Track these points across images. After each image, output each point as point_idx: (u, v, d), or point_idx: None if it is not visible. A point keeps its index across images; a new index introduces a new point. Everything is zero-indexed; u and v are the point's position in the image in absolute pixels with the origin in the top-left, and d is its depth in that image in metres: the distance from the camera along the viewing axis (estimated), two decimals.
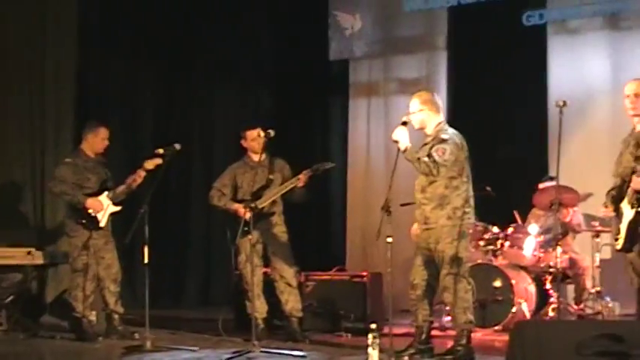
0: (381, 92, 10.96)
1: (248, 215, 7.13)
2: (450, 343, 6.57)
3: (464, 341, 6.36)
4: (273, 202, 7.62)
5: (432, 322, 6.60)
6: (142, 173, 7.70)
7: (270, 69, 11.74)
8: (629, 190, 5.80)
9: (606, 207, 6.10)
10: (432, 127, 6.52)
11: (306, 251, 10.53)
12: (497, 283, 7.98)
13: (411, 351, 6.40)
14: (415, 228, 6.58)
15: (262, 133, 7.38)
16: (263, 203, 7.45)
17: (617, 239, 6.05)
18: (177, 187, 11.32)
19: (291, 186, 7.45)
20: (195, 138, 11.49)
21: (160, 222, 10.86)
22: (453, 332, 6.68)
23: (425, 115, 6.55)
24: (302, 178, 7.40)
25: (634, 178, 5.75)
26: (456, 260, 6.30)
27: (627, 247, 5.91)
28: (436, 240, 6.36)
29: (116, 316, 7.84)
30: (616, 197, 6.02)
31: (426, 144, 6.46)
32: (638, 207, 5.75)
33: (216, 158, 11.13)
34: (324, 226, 11.50)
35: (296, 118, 11.33)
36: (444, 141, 6.41)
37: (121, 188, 7.81)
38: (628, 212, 5.85)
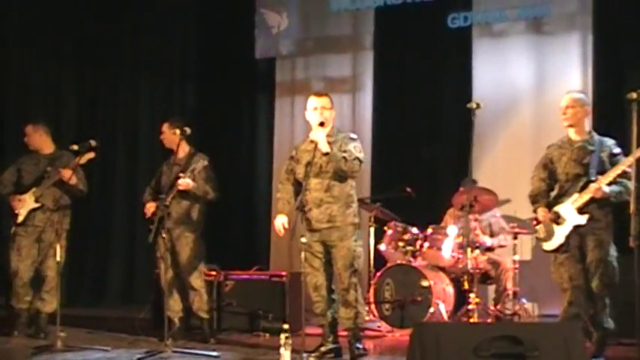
0: (307, 91, 10.89)
1: (159, 213, 7.05)
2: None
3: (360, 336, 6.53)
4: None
5: (337, 321, 6.58)
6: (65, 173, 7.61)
7: (197, 66, 11.62)
8: (581, 197, 6.06)
9: (544, 212, 6.25)
10: (328, 128, 6.53)
11: (231, 250, 10.52)
12: (416, 284, 7.99)
13: (322, 350, 6.42)
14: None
15: (178, 131, 7.28)
16: (166, 200, 7.28)
17: (544, 240, 6.21)
18: (101, 183, 11.16)
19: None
20: (120, 134, 11.37)
21: (83, 218, 10.78)
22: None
23: (333, 114, 6.61)
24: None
25: (592, 186, 6.02)
26: (359, 259, 6.43)
27: (563, 249, 6.18)
28: (340, 238, 6.38)
29: (43, 315, 7.76)
30: (552, 201, 6.29)
31: (327, 143, 6.41)
32: (589, 213, 6.04)
33: (141, 155, 11.04)
34: (249, 225, 11.41)
35: (222, 115, 11.25)
36: (354, 140, 6.56)
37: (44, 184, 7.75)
38: (575, 218, 6.11)
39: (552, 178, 6.39)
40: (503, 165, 9.57)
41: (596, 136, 6.26)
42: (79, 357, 6.63)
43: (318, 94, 6.67)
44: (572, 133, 6.27)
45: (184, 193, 7.35)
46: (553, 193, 6.41)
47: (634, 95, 5.52)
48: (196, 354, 6.58)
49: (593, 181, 6.02)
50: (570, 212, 6.12)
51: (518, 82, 9.81)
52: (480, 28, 10.03)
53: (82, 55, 11.19)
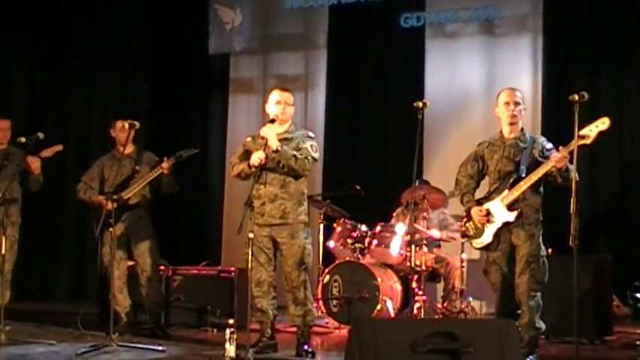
0: (260, 88, 10.92)
1: (110, 207, 7.03)
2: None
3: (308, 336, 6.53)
4: (141, 195, 7.53)
5: (276, 317, 6.61)
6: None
7: (150, 62, 11.53)
8: (511, 194, 6.06)
9: (478, 211, 6.22)
10: (287, 125, 6.55)
11: (182, 246, 10.48)
12: (364, 281, 8.02)
13: (260, 345, 6.43)
14: None
15: (126, 125, 7.27)
16: (128, 194, 7.37)
17: (473, 237, 6.23)
18: (52, 178, 11.03)
19: (155, 175, 7.37)
20: (71, 130, 11.24)
21: (33, 213, 10.65)
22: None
23: (293, 111, 6.60)
24: (165, 166, 7.32)
25: (522, 184, 6.02)
26: (309, 256, 6.44)
27: (494, 247, 6.15)
28: (291, 235, 6.39)
29: None
30: (483, 199, 6.27)
31: (285, 139, 6.44)
32: (518, 209, 6.02)
33: (92, 150, 10.91)
34: (202, 221, 11.38)
35: (176, 112, 11.18)
36: (312, 138, 6.55)
37: None
38: (504, 214, 6.08)
39: (479, 175, 6.41)
40: (454, 165, 9.52)
41: (528, 134, 6.29)
42: (22, 351, 6.58)
43: (283, 89, 6.63)
44: (507, 131, 6.26)
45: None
46: (480, 190, 6.42)
47: (576, 97, 5.61)
48: (142, 348, 6.58)
49: (522, 178, 6.02)
50: (499, 209, 6.10)
51: (470, 82, 9.90)
52: (433, 29, 10.13)
53: (34, 52, 11.09)
